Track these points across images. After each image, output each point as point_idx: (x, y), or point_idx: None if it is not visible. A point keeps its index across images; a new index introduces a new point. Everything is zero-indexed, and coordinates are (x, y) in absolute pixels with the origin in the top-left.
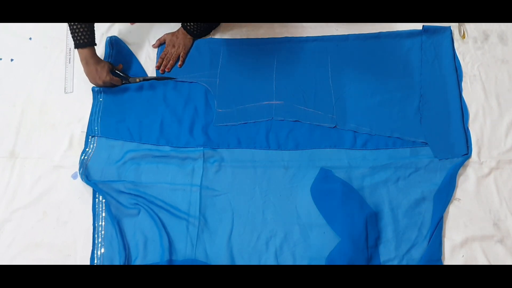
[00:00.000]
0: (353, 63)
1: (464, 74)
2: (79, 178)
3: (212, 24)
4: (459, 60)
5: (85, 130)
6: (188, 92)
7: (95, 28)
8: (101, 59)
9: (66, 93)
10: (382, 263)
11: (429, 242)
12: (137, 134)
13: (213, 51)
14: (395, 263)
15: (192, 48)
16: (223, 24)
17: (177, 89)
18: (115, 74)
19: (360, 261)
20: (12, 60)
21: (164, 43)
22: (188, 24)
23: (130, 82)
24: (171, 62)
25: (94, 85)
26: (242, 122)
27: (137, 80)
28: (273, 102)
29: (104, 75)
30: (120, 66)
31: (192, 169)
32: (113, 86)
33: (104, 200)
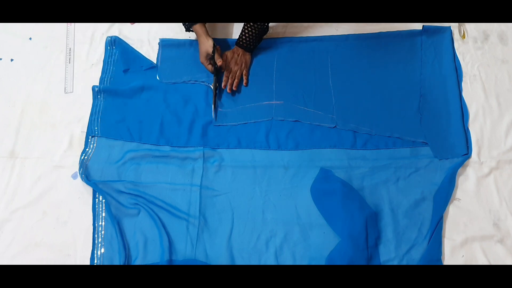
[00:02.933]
0: (353, 63)
1: (464, 74)
2: (79, 178)
3: (262, 33)
4: (459, 60)
5: (85, 130)
6: (188, 92)
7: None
8: (205, 41)
9: (66, 93)
10: (382, 263)
11: (429, 242)
12: (137, 134)
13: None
14: (395, 263)
15: (193, 48)
16: (223, 24)
17: (177, 89)
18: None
19: (360, 261)
20: (12, 60)
21: (226, 58)
22: (242, 41)
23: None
24: (236, 80)
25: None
26: (242, 122)
27: (211, 86)
28: (273, 102)
29: (201, 58)
30: (217, 49)
31: (192, 169)
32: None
33: (104, 200)
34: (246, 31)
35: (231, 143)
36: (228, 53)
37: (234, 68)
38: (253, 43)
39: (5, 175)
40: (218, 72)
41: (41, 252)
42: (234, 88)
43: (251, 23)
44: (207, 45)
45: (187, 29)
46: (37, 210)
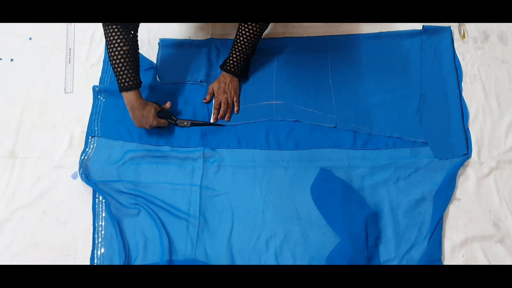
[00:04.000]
0: (353, 63)
1: (464, 74)
2: (79, 178)
3: (250, 57)
4: (459, 60)
5: (85, 130)
6: (188, 93)
7: (95, 29)
8: (147, 102)
9: (66, 93)
10: (382, 263)
11: (429, 242)
12: (137, 134)
13: (214, 52)
14: (395, 263)
15: (193, 48)
16: (223, 24)
17: (177, 90)
18: (162, 114)
19: (360, 261)
20: (12, 60)
21: (213, 93)
22: (229, 65)
23: (177, 125)
24: (228, 109)
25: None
26: (243, 122)
27: (185, 123)
28: (273, 102)
29: (151, 120)
30: (168, 105)
31: (192, 169)
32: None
33: (104, 200)
34: (235, 55)
35: (231, 143)
36: (214, 84)
37: (223, 96)
38: (241, 67)
39: (5, 175)
40: (176, 120)
41: (41, 252)
42: (226, 120)
43: (240, 45)
44: (154, 105)
45: (120, 90)
46: (37, 210)
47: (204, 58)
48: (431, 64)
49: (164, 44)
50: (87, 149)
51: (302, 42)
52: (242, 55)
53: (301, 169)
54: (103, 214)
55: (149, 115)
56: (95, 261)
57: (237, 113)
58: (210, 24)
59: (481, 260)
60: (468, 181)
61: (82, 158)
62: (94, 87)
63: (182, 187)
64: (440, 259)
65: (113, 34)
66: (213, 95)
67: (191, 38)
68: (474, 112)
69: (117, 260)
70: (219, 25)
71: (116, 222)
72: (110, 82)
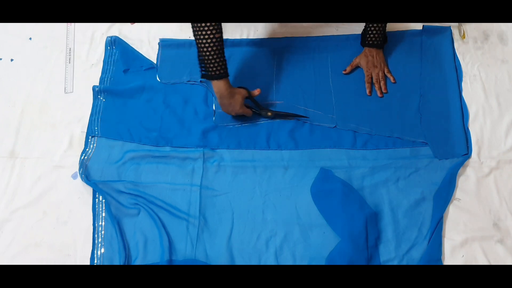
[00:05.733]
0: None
1: (464, 74)
2: (79, 178)
3: (384, 29)
4: (459, 60)
5: (85, 130)
6: (188, 93)
7: (95, 29)
8: (235, 90)
9: (66, 93)
10: (382, 263)
11: (429, 242)
12: (137, 134)
13: None
14: (395, 263)
15: (193, 48)
16: (223, 24)
17: (177, 90)
18: (249, 101)
19: (360, 261)
20: (12, 60)
21: (356, 68)
22: (371, 40)
23: (261, 115)
24: (382, 82)
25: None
26: (242, 123)
27: (269, 113)
28: (273, 102)
29: (237, 108)
30: (257, 92)
31: (192, 169)
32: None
33: (104, 200)
34: (372, 28)
35: (231, 144)
36: (361, 59)
37: (375, 71)
38: (383, 38)
39: (5, 175)
40: (261, 110)
41: (41, 252)
42: (384, 91)
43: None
44: (242, 92)
45: (211, 78)
46: (37, 210)
47: None
48: (431, 64)
49: (164, 44)
50: (87, 149)
51: (302, 42)
52: (379, 26)
53: (301, 169)
54: (103, 214)
55: (236, 103)
56: (95, 261)
57: (394, 82)
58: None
59: (481, 260)
60: (468, 181)
61: (82, 158)
62: (94, 87)
63: (182, 187)
64: (440, 259)
65: (208, 24)
66: (355, 68)
67: (191, 38)
68: (474, 112)
69: (117, 260)
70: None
71: (116, 222)
72: (110, 82)
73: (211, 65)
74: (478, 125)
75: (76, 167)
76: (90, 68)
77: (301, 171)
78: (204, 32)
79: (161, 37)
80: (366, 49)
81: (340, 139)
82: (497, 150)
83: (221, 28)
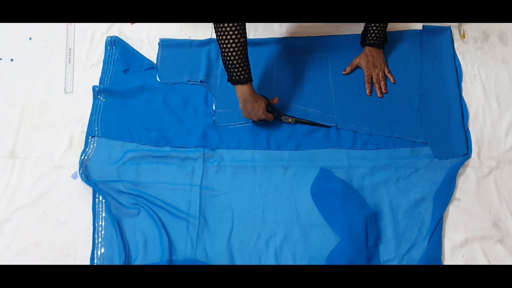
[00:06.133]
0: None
1: (464, 74)
2: (79, 178)
3: (386, 27)
4: (459, 60)
5: (85, 130)
6: (188, 93)
7: (95, 29)
8: (258, 96)
9: (66, 93)
10: (382, 263)
11: (429, 242)
12: (137, 134)
13: (214, 52)
14: (395, 263)
15: (193, 48)
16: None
17: (177, 90)
18: (269, 108)
19: (360, 261)
20: (12, 60)
21: (356, 68)
22: (372, 39)
23: (281, 120)
24: (383, 82)
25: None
26: (243, 123)
27: (289, 120)
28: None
29: (260, 113)
30: (275, 100)
31: (192, 169)
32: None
33: (104, 200)
34: (374, 28)
35: (231, 144)
36: (361, 60)
37: (375, 71)
38: (383, 38)
39: (5, 175)
40: (281, 115)
41: (41, 252)
42: (384, 91)
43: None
44: (264, 99)
45: (234, 83)
46: (37, 210)
47: (204, 58)
48: (431, 64)
49: (164, 44)
50: (87, 149)
51: (302, 42)
52: (380, 26)
53: (301, 169)
54: (103, 214)
55: (259, 108)
56: (95, 261)
57: (394, 83)
58: (210, 24)
59: (481, 260)
60: (468, 181)
61: (82, 158)
62: (94, 87)
63: (182, 187)
64: (440, 259)
65: (230, 24)
66: (355, 69)
67: (191, 38)
68: (474, 112)
69: (117, 260)
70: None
71: (116, 222)
72: (110, 82)
73: (235, 70)
74: (478, 125)
75: (76, 167)
76: (90, 68)
77: (301, 171)
78: (228, 36)
79: (161, 37)
80: (366, 49)
81: (340, 139)
82: (497, 150)
83: (245, 32)
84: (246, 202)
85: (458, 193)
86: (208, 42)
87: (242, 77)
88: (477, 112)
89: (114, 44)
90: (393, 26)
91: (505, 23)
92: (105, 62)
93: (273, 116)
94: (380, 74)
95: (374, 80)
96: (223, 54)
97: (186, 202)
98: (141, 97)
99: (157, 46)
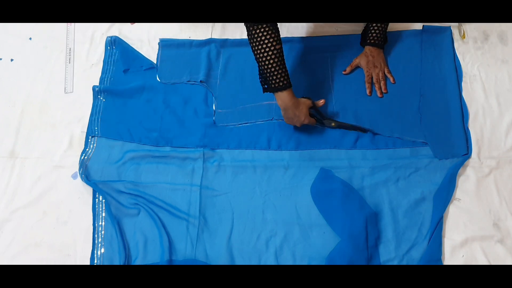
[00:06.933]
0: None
1: (464, 74)
2: (79, 178)
3: (386, 29)
4: (459, 60)
5: (85, 130)
6: (188, 93)
7: (95, 29)
8: (299, 101)
9: (66, 93)
10: (382, 263)
11: (429, 242)
12: (137, 134)
13: (213, 52)
14: (395, 263)
15: (193, 48)
16: (223, 24)
17: (176, 90)
18: (313, 111)
19: (360, 261)
20: (12, 60)
21: (356, 68)
22: (373, 39)
23: (324, 125)
24: (383, 82)
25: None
26: (243, 123)
27: (332, 124)
28: (273, 102)
29: (302, 119)
30: (321, 102)
31: (192, 169)
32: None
33: (104, 200)
34: (375, 27)
35: (231, 144)
36: (361, 60)
37: (375, 71)
38: (384, 38)
39: (5, 175)
40: (324, 119)
41: (41, 252)
42: (384, 91)
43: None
44: (307, 102)
45: (274, 91)
46: (37, 210)
47: (204, 58)
48: (431, 64)
49: (164, 44)
50: (87, 149)
51: (302, 42)
52: (381, 26)
53: (301, 169)
54: (103, 214)
55: (301, 114)
56: (95, 261)
57: (394, 83)
58: (210, 24)
59: (481, 260)
60: (468, 181)
61: (82, 158)
62: (94, 87)
63: (182, 187)
64: (440, 259)
65: (265, 33)
66: (355, 69)
67: (191, 38)
68: (474, 112)
69: (117, 260)
70: (219, 25)
71: (116, 222)
72: (110, 82)
73: (274, 77)
74: (478, 125)
75: (76, 167)
76: (90, 68)
77: (301, 171)
78: (264, 45)
79: (161, 37)
80: (367, 48)
81: (340, 139)
82: (497, 150)
83: (280, 39)
84: (246, 202)
85: (458, 193)
86: (208, 42)
87: (281, 83)
88: (477, 112)
89: (114, 44)
90: (393, 26)
91: (505, 23)
92: (105, 62)
93: (316, 121)
94: (380, 74)
95: (374, 80)
96: (260, 65)
97: (186, 202)
98: (141, 97)
99: (157, 46)
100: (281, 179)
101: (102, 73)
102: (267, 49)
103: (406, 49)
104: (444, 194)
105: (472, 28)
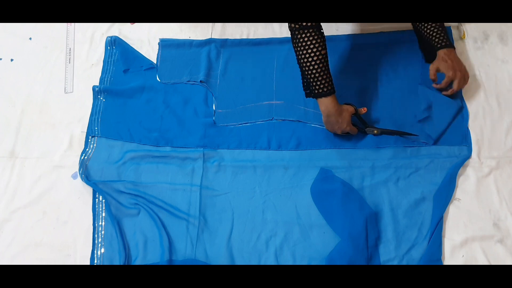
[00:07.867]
0: (353, 63)
1: None
2: (79, 178)
3: (444, 27)
4: None
5: (85, 130)
6: (188, 93)
7: (95, 29)
8: (342, 108)
9: (66, 93)
10: (382, 263)
11: (429, 242)
12: (137, 134)
13: (213, 52)
14: (395, 263)
15: (193, 48)
16: (223, 24)
17: (177, 90)
18: (354, 118)
19: (360, 261)
20: (12, 60)
21: (437, 72)
22: (443, 41)
23: (366, 132)
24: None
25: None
26: (243, 123)
27: (375, 131)
28: (273, 102)
29: (345, 126)
30: (363, 110)
31: (192, 169)
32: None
33: (104, 200)
34: (434, 29)
35: (231, 144)
36: (440, 65)
37: (458, 75)
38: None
39: (5, 175)
40: (366, 127)
41: (41, 252)
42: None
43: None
44: (350, 109)
45: (314, 97)
46: (37, 210)
47: (204, 58)
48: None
49: (164, 44)
50: (87, 149)
51: (348, 40)
52: (436, 25)
53: (301, 169)
54: (103, 214)
55: (343, 121)
56: (95, 261)
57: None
58: (210, 24)
59: (481, 260)
60: (468, 181)
61: (82, 158)
62: (94, 87)
63: (182, 187)
64: (440, 259)
65: (310, 37)
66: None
67: (191, 38)
68: (474, 112)
69: (117, 260)
70: (219, 25)
71: (116, 222)
72: (110, 82)
73: (318, 83)
74: (478, 125)
75: (76, 167)
76: (90, 68)
77: (301, 171)
78: (309, 50)
79: (161, 37)
80: (441, 52)
81: (340, 139)
82: (497, 150)
83: (325, 44)
84: (246, 202)
85: (458, 193)
86: (208, 42)
87: (325, 89)
88: (477, 112)
89: (114, 44)
90: (393, 26)
91: (505, 23)
92: (105, 62)
93: (357, 130)
94: (462, 83)
95: (455, 87)
96: (304, 70)
97: (186, 202)
98: (141, 97)
99: (157, 46)
100: (281, 179)
101: (102, 73)
102: (312, 54)
103: (406, 49)
104: (444, 194)
105: (472, 28)
